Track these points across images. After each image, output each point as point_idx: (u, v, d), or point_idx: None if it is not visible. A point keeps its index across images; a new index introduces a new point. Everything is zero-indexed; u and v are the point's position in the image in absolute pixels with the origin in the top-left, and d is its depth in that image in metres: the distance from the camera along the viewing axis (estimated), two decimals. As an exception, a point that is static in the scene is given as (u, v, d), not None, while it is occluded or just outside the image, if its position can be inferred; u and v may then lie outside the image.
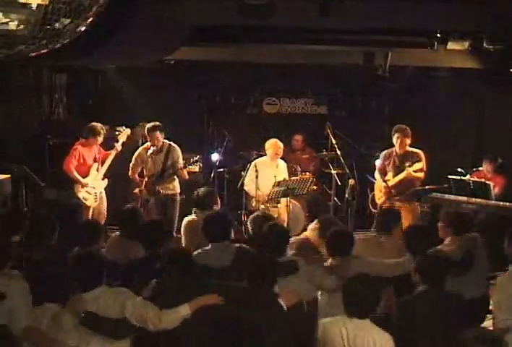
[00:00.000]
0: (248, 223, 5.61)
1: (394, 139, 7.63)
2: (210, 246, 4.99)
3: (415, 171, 7.51)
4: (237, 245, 5.01)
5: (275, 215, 7.42)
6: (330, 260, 4.92)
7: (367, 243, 5.48)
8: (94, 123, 7.77)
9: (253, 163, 8.07)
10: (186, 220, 6.10)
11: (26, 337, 3.85)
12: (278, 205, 7.92)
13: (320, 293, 4.80)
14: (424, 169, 7.56)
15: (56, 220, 5.24)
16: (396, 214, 5.75)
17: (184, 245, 5.94)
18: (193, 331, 3.95)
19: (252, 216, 5.66)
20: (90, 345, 3.86)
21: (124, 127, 8.11)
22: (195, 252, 5.14)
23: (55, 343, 3.85)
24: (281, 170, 8.08)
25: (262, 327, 3.87)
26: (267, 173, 7.89)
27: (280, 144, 8.03)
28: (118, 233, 5.60)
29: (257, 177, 7.84)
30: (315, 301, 4.55)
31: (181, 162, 7.80)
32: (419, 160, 7.52)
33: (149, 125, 7.78)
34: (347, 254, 4.87)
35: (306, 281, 4.52)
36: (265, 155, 8.13)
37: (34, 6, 3.30)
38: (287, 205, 7.92)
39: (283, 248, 4.77)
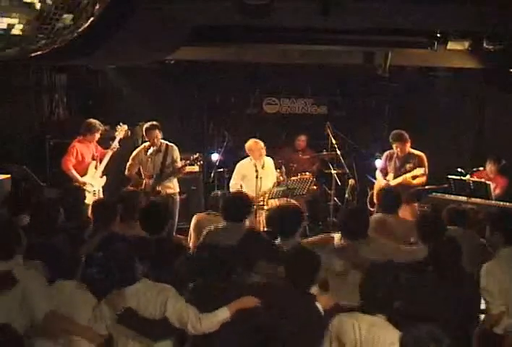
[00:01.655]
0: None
1: (393, 147, 7.65)
2: (224, 223, 5.07)
3: (415, 177, 7.51)
4: (248, 226, 5.07)
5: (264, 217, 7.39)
6: (341, 241, 4.83)
7: (374, 223, 5.43)
8: (91, 120, 7.80)
9: (237, 166, 7.86)
10: (195, 217, 6.11)
11: (47, 323, 3.81)
12: (265, 207, 7.64)
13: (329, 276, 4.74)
14: (426, 173, 7.56)
15: (59, 202, 5.25)
16: (397, 194, 5.85)
17: (191, 242, 5.93)
18: (230, 335, 3.85)
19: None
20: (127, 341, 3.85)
21: (121, 124, 8.13)
22: (207, 228, 5.17)
23: (77, 327, 3.85)
24: (268, 169, 7.84)
25: (297, 333, 3.80)
26: (250, 175, 7.66)
27: (262, 144, 7.76)
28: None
29: (256, 177, 7.79)
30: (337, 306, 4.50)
31: (179, 161, 7.80)
32: (421, 165, 7.52)
33: (147, 124, 7.78)
34: (360, 237, 4.76)
35: None
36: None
37: (38, 6, 3.30)
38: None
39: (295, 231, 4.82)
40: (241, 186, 7.73)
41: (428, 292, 4.23)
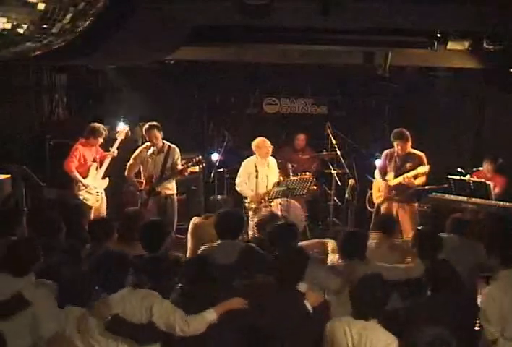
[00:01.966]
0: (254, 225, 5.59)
1: (394, 145, 7.65)
2: (218, 241, 5.06)
3: (416, 176, 7.50)
4: (244, 243, 5.06)
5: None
6: (340, 262, 4.94)
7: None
8: (96, 124, 7.80)
9: (243, 164, 7.95)
10: (193, 222, 6.10)
11: (51, 344, 3.78)
12: (272, 204, 7.80)
13: (326, 293, 4.80)
14: (427, 172, 7.56)
15: (60, 220, 5.23)
16: (395, 218, 5.96)
17: (189, 246, 5.94)
18: (218, 336, 3.89)
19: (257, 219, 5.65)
20: None
21: (122, 124, 8.13)
22: (202, 247, 5.18)
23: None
24: (272, 169, 7.97)
25: (286, 331, 3.86)
26: (259, 173, 7.78)
27: (269, 143, 7.89)
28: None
29: (255, 178, 7.80)
30: (325, 303, 4.51)
31: (179, 163, 7.80)
32: (421, 164, 7.51)
33: (146, 125, 7.80)
34: (359, 258, 4.86)
35: (309, 281, 4.48)
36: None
37: (42, 6, 3.30)
38: (280, 203, 7.90)
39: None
40: (249, 183, 7.79)
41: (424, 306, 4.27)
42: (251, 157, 7.96)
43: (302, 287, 4.14)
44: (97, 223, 5.46)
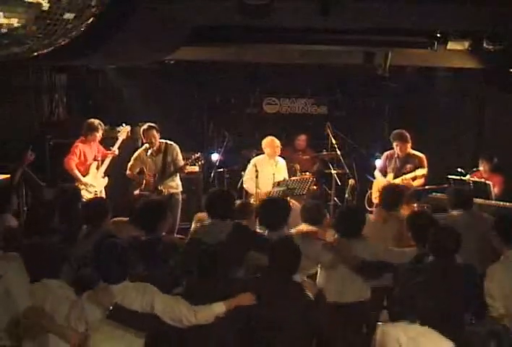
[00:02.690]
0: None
1: (394, 146, 7.66)
2: (210, 221, 5.05)
3: (414, 178, 7.52)
4: (235, 221, 5.01)
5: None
6: (334, 237, 4.96)
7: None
8: (91, 120, 7.83)
9: (252, 161, 8.06)
10: (197, 216, 6.10)
11: (27, 318, 3.72)
12: None
13: (319, 267, 4.93)
14: (426, 174, 7.56)
15: (54, 203, 5.22)
16: (401, 192, 5.96)
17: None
18: (220, 327, 3.89)
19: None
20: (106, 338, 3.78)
21: (124, 124, 8.13)
22: (193, 226, 5.17)
23: (57, 325, 3.76)
24: (280, 169, 8.05)
25: (292, 323, 3.90)
26: (266, 171, 7.87)
27: (278, 142, 8.00)
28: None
29: (256, 176, 7.84)
30: (321, 291, 4.58)
31: (180, 159, 7.81)
32: (421, 166, 7.52)
33: (144, 126, 7.80)
34: (354, 235, 4.87)
35: (304, 255, 4.44)
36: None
37: (46, 6, 3.30)
38: None
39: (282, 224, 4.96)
40: (256, 180, 7.79)
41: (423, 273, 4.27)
42: (260, 155, 8.10)
43: (296, 278, 4.17)
44: (91, 204, 5.43)
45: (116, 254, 3.86)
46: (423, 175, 7.49)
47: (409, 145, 7.62)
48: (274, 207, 5.12)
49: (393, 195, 5.89)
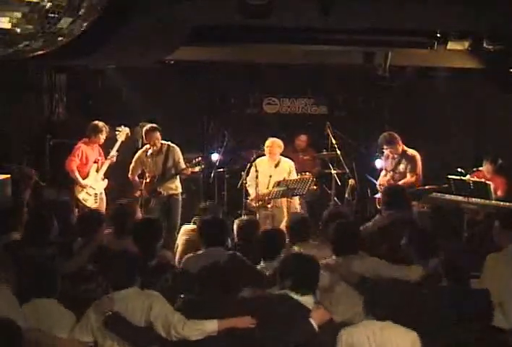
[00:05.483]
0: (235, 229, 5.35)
1: (384, 151, 7.67)
2: (203, 250, 4.91)
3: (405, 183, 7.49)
4: (230, 252, 4.81)
5: (269, 215, 7.55)
6: (333, 257, 4.71)
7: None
8: (96, 122, 7.82)
9: (254, 162, 8.09)
10: (183, 229, 5.98)
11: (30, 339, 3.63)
12: (268, 206, 7.80)
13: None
14: (418, 172, 7.54)
15: (52, 216, 5.20)
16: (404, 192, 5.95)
17: (178, 253, 5.70)
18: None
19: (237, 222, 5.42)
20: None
21: (122, 126, 8.13)
22: (186, 256, 5.06)
23: (60, 340, 3.74)
24: (282, 170, 7.98)
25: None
26: (264, 172, 7.88)
27: (278, 143, 7.98)
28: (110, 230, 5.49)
29: (256, 177, 7.85)
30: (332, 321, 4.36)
31: (182, 162, 7.80)
32: (415, 164, 7.53)
33: (147, 126, 7.79)
34: (351, 252, 4.64)
35: None
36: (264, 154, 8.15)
37: (47, 5, 3.30)
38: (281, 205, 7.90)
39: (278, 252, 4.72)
40: (256, 181, 7.82)
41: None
42: (263, 156, 8.13)
43: (309, 301, 3.88)
44: (86, 215, 5.45)
45: (123, 258, 3.89)
46: (413, 181, 7.50)
47: (399, 146, 7.59)
48: (270, 238, 4.87)
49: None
